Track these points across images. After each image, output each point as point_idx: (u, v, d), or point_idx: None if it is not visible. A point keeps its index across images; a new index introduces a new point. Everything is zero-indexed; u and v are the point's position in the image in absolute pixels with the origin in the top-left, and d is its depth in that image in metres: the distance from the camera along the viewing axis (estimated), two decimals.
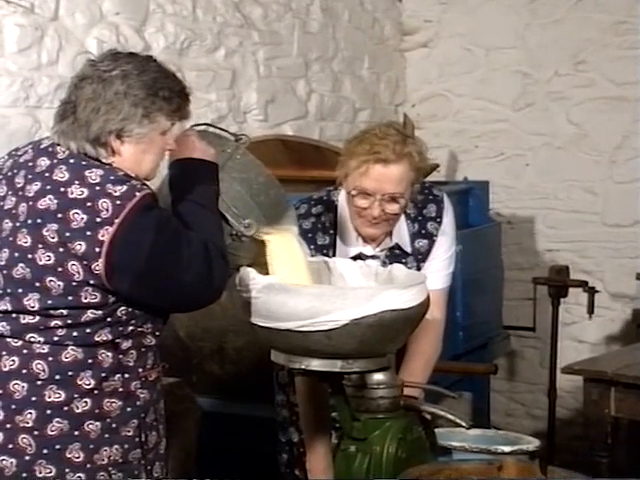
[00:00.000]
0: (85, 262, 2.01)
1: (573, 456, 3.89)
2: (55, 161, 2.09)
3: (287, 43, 4.43)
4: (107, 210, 2.01)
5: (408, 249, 2.68)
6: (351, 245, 2.65)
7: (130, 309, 2.10)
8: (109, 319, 2.08)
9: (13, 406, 2.06)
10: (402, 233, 2.68)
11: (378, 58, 5.02)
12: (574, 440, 4.39)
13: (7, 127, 3.23)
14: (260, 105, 4.26)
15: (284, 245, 2.28)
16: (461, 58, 5.02)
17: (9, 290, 2.07)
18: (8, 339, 2.08)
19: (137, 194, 2.04)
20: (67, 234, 2.01)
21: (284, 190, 2.44)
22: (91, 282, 2.03)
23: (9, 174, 2.15)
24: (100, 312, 2.07)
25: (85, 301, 2.05)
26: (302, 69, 4.52)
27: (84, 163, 2.08)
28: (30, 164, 2.12)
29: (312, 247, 2.59)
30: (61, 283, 2.03)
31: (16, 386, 2.06)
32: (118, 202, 2.02)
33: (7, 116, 3.24)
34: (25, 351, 2.07)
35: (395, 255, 2.66)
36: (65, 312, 2.05)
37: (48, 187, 2.06)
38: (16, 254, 2.06)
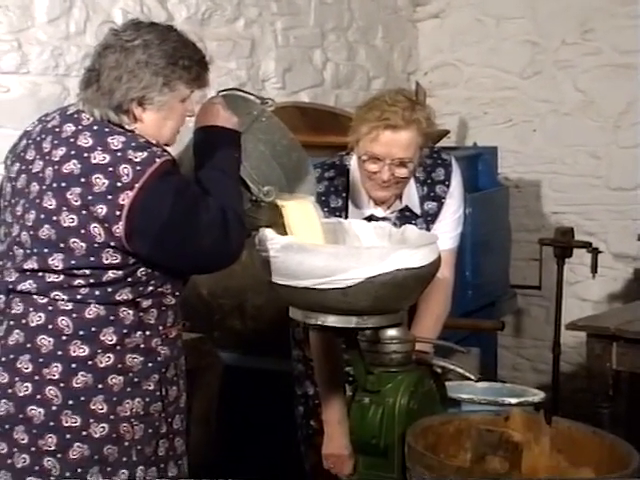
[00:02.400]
0: (106, 225, 2.01)
1: (576, 407, 3.90)
2: (80, 127, 2.08)
3: (304, 14, 4.38)
4: (127, 175, 2.00)
5: (417, 211, 2.67)
6: (363, 207, 2.63)
7: (150, 270, 2.09)
8: (129, 279, 2.08)
9: (40, 359, 2.07)
10: (412, 196, 2.66)
11: (391, 28, 4.96)
12: (577, 392, 4.40)
13: (38, 94, 3.22)
14: (278, 73, 4.23)
15: (301, 212, 2.26)
16: (472, 28, 4.96)
17: (35, 250, 2.07)
18: (35, 296, 2.08)
19: (157, 160, 2.02)
20: (89, 197, 2.01)
21: (306, 154, 2.43)
22: (112, 244, 2.03)
23: (38, 139, 2.14)
24: (121, 272, 2.06)
25: (106, 262, 2.04)
26: (318, 39, 4.48)
27: (107, 130, 2.07)
28: (57, 130, 2.11)
29: (325, 210, 2.58)
30: (84, 244, 2.03)
31: (43, 340, 2.07)
32: (138, 168, 2.01)
33: (38, 84, 3.23)
34: (50, 308, 2.07)
35: (405, 217, 2.64)
36: (88, 272, 2.05)
37: (72, 152, 2.05)
38: (42, 216, 2.06)
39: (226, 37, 3.98)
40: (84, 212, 2.02)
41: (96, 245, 2.03)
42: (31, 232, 2.08)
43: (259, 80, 4.16)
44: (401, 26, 5.04)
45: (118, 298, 2.09)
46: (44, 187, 2.07)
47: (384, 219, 2.62)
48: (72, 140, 2.07)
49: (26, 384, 2.07)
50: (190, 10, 3.79)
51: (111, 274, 2.06)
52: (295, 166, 2.38)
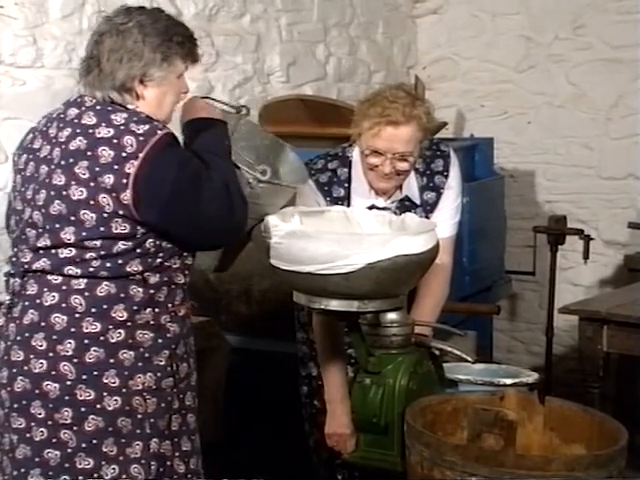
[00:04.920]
0: (114, 194, 2.02)
1: (568, 387, 3.90)
2: (83, 109, 2.11)
3: (308, 10, 4.37)
4: (132, 146, 2.02)
5: (417, 201, 2.66)
6: (364, 197, 2.62)
7: (158, 242, 2.10)
8: (138, 250, 2.08)
9: (54, 337, 2.07)
10: (411, 186, 2.65)
11: (392, 24, 4.94)
12: (569, 373, 4.41)
13: (52, 87, 3.23)
14: (283, 67, 4.22)
15: None
16: (469, 23, 4.95)
17: (47, 227, 2.08)
18: (49, 276, 2.09)
19: (159, 132, 2.05)
20: (97, 169, 2.02)
21: (287, 145, 2.34)
22: (120, 212, 2.04)
23: (43, 129, 2.17)
24: (130, 243, 2.07)
25: (116, 231, 2.05)
26: (321, 34, 4.47)
27: (109, 108, 2.09)
28: (61, 115, 2.14)
29: (328, 199, 2.58)
30: (94, 215, 2.04)
31: (56, 319, 2.08)
32: (141, 138, 2.03)
33: (52, 77, 3.24)
34: (64, 287, 2.08)
35: (405, 206, 2.63)
36: (98, 243, 2.06)
37: (78, 130, 2.07)
38: (52, 193, 2.07)
39: (233, 32, 3.96)
40: (92, 184, 2.03)
41: (105, 215, 2.04)
42: (42, 210, 2.09)
43: (264, 74, 4.15)
44: (401, 22, 5.02)
45: (128, 270, 2.09)
46: (52, 167, 2.09)
47: (385, 209, 2.61)
48: (76, 121, 2.10)
49: (41, 361, 2.08)
50: (198, 6, 3.78)
51: (121, 245, 2.07)
52: (281, 160, 2.34)
